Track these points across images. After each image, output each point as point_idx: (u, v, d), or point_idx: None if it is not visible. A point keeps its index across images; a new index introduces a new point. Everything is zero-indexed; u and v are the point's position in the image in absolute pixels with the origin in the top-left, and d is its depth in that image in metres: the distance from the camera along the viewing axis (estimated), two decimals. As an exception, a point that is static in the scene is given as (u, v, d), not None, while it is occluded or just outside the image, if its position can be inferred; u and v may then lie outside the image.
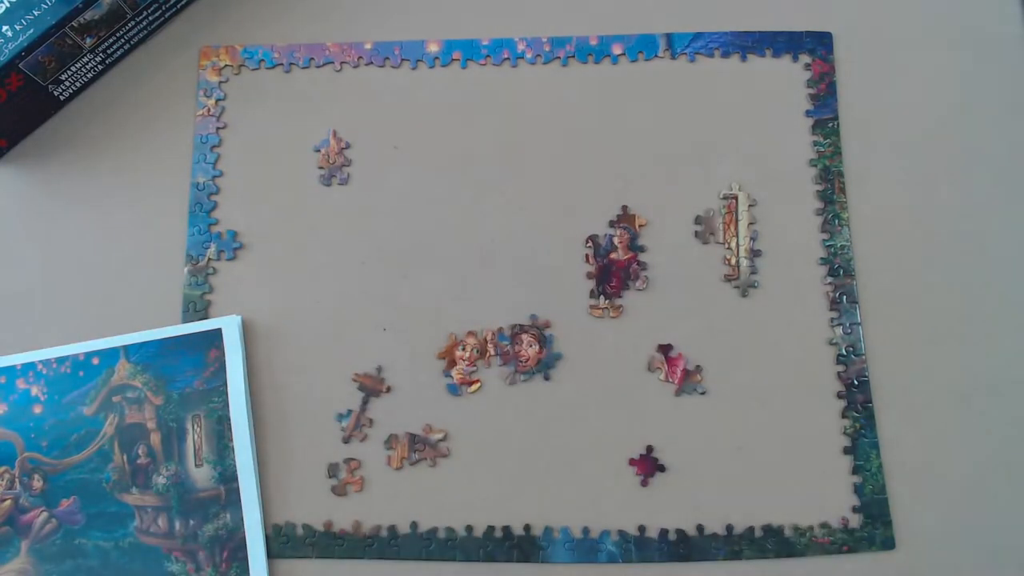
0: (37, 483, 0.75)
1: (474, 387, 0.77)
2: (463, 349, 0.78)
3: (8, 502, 0.75)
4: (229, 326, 0.78)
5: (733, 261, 0.79)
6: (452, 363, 0.78)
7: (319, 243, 0.81)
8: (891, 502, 0.73)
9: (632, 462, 0.75)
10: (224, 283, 0.80)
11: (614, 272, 0.79)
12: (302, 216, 0.82)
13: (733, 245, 0.79)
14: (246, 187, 0.83)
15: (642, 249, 0.80)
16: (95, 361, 0.78)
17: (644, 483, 0.74)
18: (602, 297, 0.79)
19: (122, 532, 0.74)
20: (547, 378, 0.77)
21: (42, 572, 0.74)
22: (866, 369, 0.76)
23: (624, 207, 0.81)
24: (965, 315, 0.77)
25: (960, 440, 0.75)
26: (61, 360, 0.78)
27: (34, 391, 0.77)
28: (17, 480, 0.76)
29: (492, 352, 0.78)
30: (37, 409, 0.77)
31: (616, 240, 0.80)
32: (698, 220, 0.80)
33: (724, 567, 0.73)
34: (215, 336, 0.77)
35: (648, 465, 0.75)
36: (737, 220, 0.80)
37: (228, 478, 0.74)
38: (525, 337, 0.78)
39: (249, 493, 0.74)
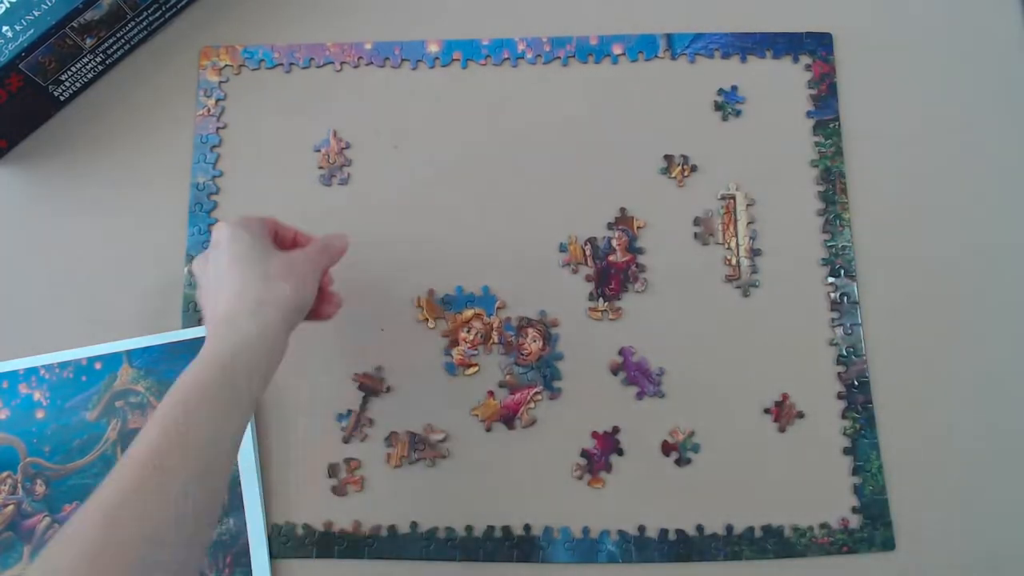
0: (40, 488, 0.75)
1: (471, 370, 0.77)
2: (468, 331, 0.78)
3: (11, 507, 0.75)
4: (231, 330, 0.77)
5: (734, 261, 0.79)
6: (455, 343, 0.78)
7: (319, 243, 0.81)
8: (891, 502, 0.74)
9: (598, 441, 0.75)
10: (224, 284, 0.80)
11: (613, 274, 0.79)
12: (302, 216, 0.81)
13: (733, 245, 0.79)
14: (246, 187, 0.83)
15: (640, 251, 0.80)
16: (97, 366, 0.78)
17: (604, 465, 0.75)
18: (601, 299, 0.79)
19: (125, 537, 0.74)
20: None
21: (45, 576, 0.74)
22: (866, 370, 0.76)
23: (622, 209, 0.81)
24: (965, 316, 0.78)
25: (960, 440, 0.75)
26: (64, 365, 0.78)
27: (36, 396, 0.77)
28: (19, 485, 0.76)
29: (496, 339, 0.78)
30: (39, 414, 0.77)
31: (615, 242, 0.80)
32: (697, 222, 0.80)
33: (724, 567, 0.73)
34: (217, 341, 0.77)
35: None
36: (736, 220, 0.80)
37: (231, 484, 0.74)
38: (531, 331, 0.78)
39: (252, 499, 0.74)
